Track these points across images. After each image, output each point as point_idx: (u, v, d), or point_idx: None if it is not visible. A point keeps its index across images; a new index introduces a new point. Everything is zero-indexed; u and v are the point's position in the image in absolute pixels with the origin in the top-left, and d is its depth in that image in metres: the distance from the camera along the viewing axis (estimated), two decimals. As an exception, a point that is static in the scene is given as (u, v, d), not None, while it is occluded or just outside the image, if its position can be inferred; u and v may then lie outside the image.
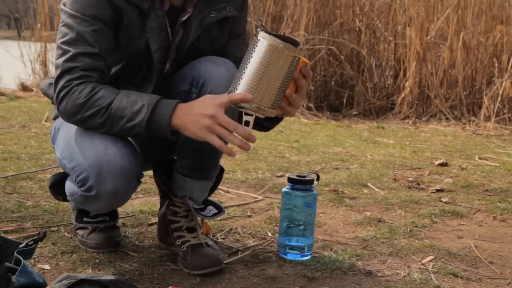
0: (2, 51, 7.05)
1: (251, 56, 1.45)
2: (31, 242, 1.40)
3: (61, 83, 1.54)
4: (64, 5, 1.59)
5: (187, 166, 1.71)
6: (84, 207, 1.67)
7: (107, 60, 1.58)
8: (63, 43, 1.55)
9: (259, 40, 1.44)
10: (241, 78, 1.46)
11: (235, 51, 1.75)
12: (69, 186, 1.62)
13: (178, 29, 1.68)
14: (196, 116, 1.45)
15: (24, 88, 6.81)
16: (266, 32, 1.44)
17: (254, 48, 1.45)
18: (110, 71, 1.61)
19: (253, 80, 1.44)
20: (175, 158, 1.78)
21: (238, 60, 1.54)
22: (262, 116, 1.49)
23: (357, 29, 6.50)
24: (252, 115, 1.47)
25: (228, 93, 1.47)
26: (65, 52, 1.54)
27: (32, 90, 6.65)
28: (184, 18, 1.67)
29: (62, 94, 1.54)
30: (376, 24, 6.49)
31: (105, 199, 1.54)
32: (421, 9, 5.91)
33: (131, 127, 1.50)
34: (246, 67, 1.46)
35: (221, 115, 1.43)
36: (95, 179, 1.51)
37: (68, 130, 1.65)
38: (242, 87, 1.45)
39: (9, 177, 2.68)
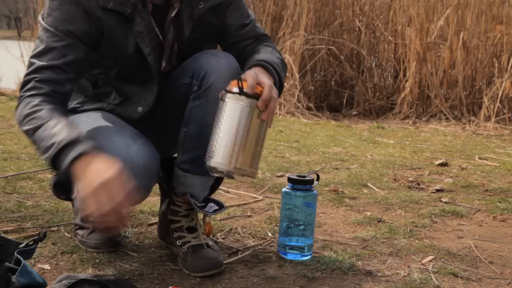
0: (2, 51, 7.05)
1: (221, 120, 1.50)
2: (31, 242, 1.40)
3: (20, 94, 1.56)
4: (43, 16, 1.59)
5: (188, 161, 1.70)
6: None
7: (69, 74, 1.56)
8: (32, 56, 1.57)
9: (225, 102, 1.49)
10: (216, 144, 1.49)
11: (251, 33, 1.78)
12: None
13: (168, 26, 1.68)
14: (91, 172, 1.38)
15: (24, 88, 6.80)
16: (230, 92, 1.48)
17: (222, 111, 1.49)
18: (74, 84, 1.61)
19: (228, 143, 1.47)
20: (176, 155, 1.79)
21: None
22: (246, 180, 1.53)
23: (357, 29, 6.50)
24: (232, 177, 1.51)
25: (205, 159, 1.51)
26: (30, 65, 1.56)
27: (32, 90, 6.64)
28: (173, 14, 1.67)
29: (17, 104, 1.56)
30: (376, 24, 6.50)
31: None
32: (421, 9, 5.91)
33: (44, 160, 1.49)
34: (219, 132, 1.49)
35: (115, 183, 1.37)
36: None
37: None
38: (219, 152, 1.48)
39: (9, 177, 2.68)
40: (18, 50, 6.99)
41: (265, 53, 1.69)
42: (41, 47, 1.56)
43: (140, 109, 1.69)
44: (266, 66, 1.61)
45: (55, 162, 1.44)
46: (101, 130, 1.61)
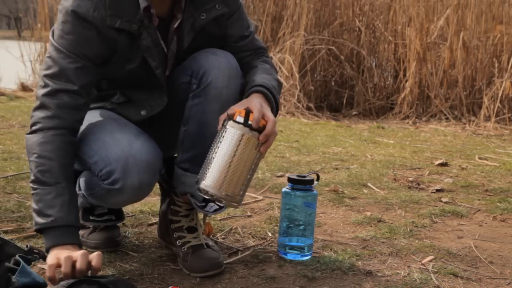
0: (2, 51, 7.05)
1: (220, 144, 1.52)
2: (35, 254, 1.41)
3: (36, 116, 1.55)
4: (53, 33, 1.59)
5: (188, 160, 1.71)
6: (102, 201, 1.67)
7: (85, 98, 1.58)
8: (45, 76, 1.56)
9: (227, 128, 1.51)
10: (210, 167, 1.52)
11: (251, 46, 1.80)
12: (87, 181, 1.65)
13: (172, 36, 1.70)
14: (61, 253, 1.42)
15: (24, 88, 6.81)
16: (234, 121, 1.51)
17: (223, 136, 1.52)
18: (87, 107, 1.64)
19: (222, 169, 1.50)
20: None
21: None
22: (233, 205, 1.56)
23: (357, 29, 6.50)
24: (222, 204, 1.55)
25: (197, 180, 1.53)
26: (46, 85, 1.55)
27: (32, 90, 6.65)
28: (175, 25, 1.68)
29: (33, 128, 1.55)
30: (376, 24, 6.50)
31: (129, 192, 1.55)
32: (421, 9, 5.91)
33: (34, 215, 1.51)
34: (215, 155, 1.52)
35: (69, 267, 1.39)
36: (121, 172, 1.53)
37: (83, 129, 1.66)
38: (211, 175, 1.51)
39: (9, 177, 2.68)
40: (18, 50, 7.00)
41: (263, 74, 1.71)
42: (55, 68, 1.55)
43: (143, 112, 1.70)
44: (266, 94, 1.63)
45: (39, 231, 1.50)
46: (103, 128, 1.62)
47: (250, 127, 1.51)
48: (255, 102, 1.56)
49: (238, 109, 1.53)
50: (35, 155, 1.52)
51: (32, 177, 1.52)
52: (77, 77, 1.55)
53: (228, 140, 1.51)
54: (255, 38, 1.82)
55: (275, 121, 1.56)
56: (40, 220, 1.48)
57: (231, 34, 1.76)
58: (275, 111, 1.66)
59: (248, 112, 1.51)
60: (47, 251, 1.47)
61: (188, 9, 1.67)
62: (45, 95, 1.54)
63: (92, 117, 1.67)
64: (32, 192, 1.52)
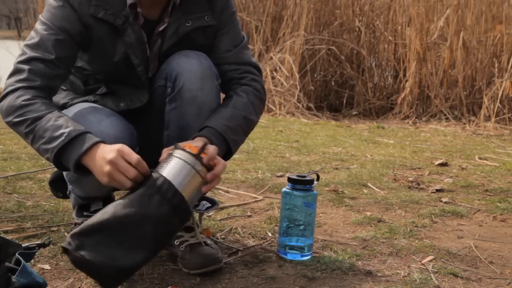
0: (2, 51, 7.05)
1: (166, 166, 1.46)
2: (35, 246, 1.41)
3: (8, 82, 1.59)
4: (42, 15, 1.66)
5: None
6: (81, 184, 1.68)
7: (61, 69, 1.61)
8: (26, 45, 1.62)
9: (176, 157, 1.46)
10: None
11: (240, 58, 1.80)
12: None
13: (156, 39, 1.72)
14: (99, 160, 1.43)
15: (24, 88, 6.80)
16: (184, 150, 1.47)
17: (168, 163, 1.46)
18: (63, 80, 1.67)
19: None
20: None
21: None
22: None
23: (357, 29, 6.50)
24: None
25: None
26: (23, 54, 1.61)
27: (32, 90, 6.65)
28: (161, 29, 1.71)
29: (5, 92, 1.57)
30: (376, 24, 6.50)
31: None
32: (421, 9, 5.91)
33: (45, 150, 1.49)
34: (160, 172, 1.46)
35: (120, 160, 1.41)
36: None
37: None
38: None
39: (9, 177, 2.68)
40: (18, 50, 6.99)
41: (229, 110, 1.67)
42: (36, 39, 1.60)
43: (122, 104, 1.73)
44: (212, 141, 1.59)
45: (60, 153, 1.46)
46: (80, 113, 1.65)
47: (200, 160, 1.46)
48: (216, 150, 1.54)
49: (188, 144, 1.50)
50: (18, 110, 1.51)
51: (24, 125, 1.50)
52: (55, 48, 1.59)
53: (176, 169, 1.45)
54: (243, 52, 1.80)
55: (226, 165, 1.54)
56: (53, 145, 1.46)
57: (217, 46, 1.77)
58: (226, 152, 1.65)
59: (203, 147, 1.48)
60: (76, 166, 1.45)
61: (175, 14, 1.70)
62: (20, 61, 1.59)
63: (73, 108, 1.71)
64: (33, 134, 1.49)
